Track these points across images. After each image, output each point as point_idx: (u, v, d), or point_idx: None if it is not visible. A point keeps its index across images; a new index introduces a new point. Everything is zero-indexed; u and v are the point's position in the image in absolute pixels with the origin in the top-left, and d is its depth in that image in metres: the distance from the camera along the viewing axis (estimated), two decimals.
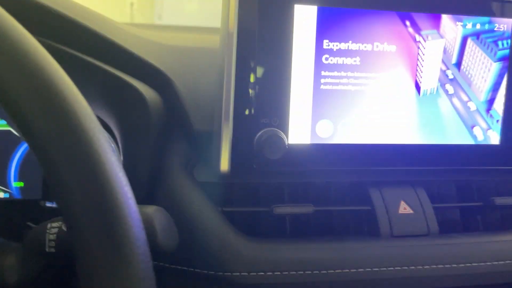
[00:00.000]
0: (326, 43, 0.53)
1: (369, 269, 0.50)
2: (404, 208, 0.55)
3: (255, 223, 0.53)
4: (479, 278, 0.53)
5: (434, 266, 0.51)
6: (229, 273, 0.48)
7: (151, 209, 0.40)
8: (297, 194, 0.55)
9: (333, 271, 0.49)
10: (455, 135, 0.58)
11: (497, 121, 0.59)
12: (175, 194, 0.51)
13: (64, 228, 0.42)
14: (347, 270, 0.49)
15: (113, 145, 0.62)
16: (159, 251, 0.39)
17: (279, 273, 0.48)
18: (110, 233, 0.28)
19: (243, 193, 0.54)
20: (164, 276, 0.49)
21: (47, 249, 0.42)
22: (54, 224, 0.43)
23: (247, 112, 0.51)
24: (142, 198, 0.53)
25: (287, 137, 0.52)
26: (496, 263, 0.53)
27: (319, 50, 0.53)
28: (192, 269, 0.49)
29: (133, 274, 0.28)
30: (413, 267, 0.51)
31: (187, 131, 0.54)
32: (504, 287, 0.55)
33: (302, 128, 0.53)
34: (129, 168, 0.54)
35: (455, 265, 0.52)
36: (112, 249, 0.28)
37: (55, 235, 0.42)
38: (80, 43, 0.52)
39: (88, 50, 0.53)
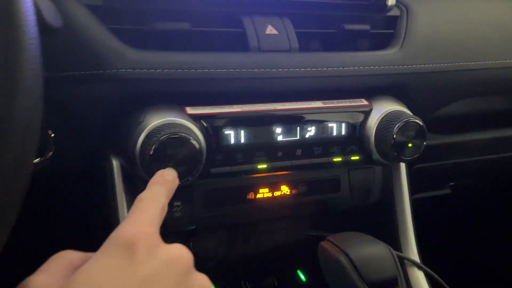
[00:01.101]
0: None
1: (238, 70, 0.60)
2: (270, 30, 0.65)
3: (139, 41, 0.60)
4: (331, 81, 0.65)
5: (293, 69, 0.63)
6: (115, 70, 0.55)
7: None
8: (178, 19, 0.63)
9: (208, 70, 0.58)
10: None
11: None
12: (60, 13, 0.56)
13: None
14: (220, 70, 0.59)
15: None
16: (46, 28, 0.45)
17: (160, 70, 0.56)
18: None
19: (128, 14, 0.61)
20: (55, 86, 0.54)
21: None
22: None
23: None
24: None
25: None
26: (340, 68, 0.66)
27: None
28: (83, 72, 0.55)
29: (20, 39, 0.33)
30: (275, 69, 0.62)
31: None
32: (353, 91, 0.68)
33: None
34: None
35: (309, 69, 0.64)
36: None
37: None
38: None
39: None
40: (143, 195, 0.43)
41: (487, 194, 1.25)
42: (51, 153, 0.57)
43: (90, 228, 0.64)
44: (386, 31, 0.75)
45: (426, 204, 1.07)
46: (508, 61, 0.80)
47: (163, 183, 0.47)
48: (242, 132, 0.60)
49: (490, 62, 0.78)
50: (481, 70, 0.78)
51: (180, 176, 0.52)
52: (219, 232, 0.81)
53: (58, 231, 0.69)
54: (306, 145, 0.64)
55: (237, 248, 0.83)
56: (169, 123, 0.54)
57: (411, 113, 0.68)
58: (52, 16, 0.46)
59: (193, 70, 0.58)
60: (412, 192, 0.79)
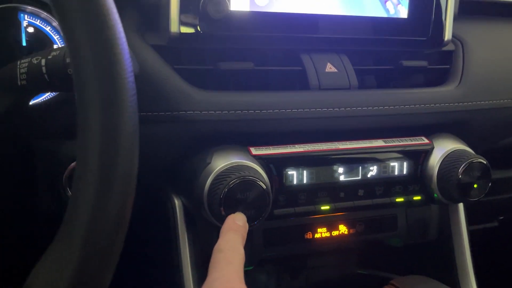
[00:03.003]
0: None
1: (301, 109, 0.60)
2: (329, 68, 0.65)
3: (202, 80, 0.60)
4: (392, 119, 0.65)
5: (354, 108, 0.62)
6: (183, 112, 0.55)
7: None
8: (239, 57, 0.63)
9: (272, 110, 0.58)
10: (372, 8, 0.67)
11: None
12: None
13: (34, 61, 0.47)
14: (284, 110, 0.59)
15: None
16: None
17: (226, 112, 0.56)
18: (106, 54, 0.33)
19: (191, 55, 0.61)
20: None
21: (19, 83, 0.47)
22: (24, 60, 0.47)
23: None
24: None
25: (229, 4, 0.59)
26: (401, 106, 0.65)
27: None
28: (151, 113, 0.55)
29: (121, 88, 0.34)
30: (337, 109, 0.61)
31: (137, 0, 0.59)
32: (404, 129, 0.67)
33: None
34: None
35: (370, 108, 0.63)
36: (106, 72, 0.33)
37: (26, 68, 0.47)
38: None
39: None
40: (222, 245, 0.43)
41: None
42: None
43: (150, 267, 0.64)
44: (442, 67, 0.74)
45: (473, 237, 1.04)
46: None
47: (237, 230, 0.46)
48: (305, 172, 0.60)
49: None
50: None
51: (249, 220, 0.51)
52: (268, 266, 0.80)
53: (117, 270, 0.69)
54: (368, 185, 0.63)
55: (287, 283, 0.81)
56: (237, 165, 0.54)
57: (473, 152, 0.66)
58: (134, 64, 0.46)
59: (259, 111, 0.58)
60: None
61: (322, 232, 0.66)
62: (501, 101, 0.72)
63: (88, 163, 0.32)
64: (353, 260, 0.80)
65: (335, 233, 0.66)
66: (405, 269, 0.70)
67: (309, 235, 0.65)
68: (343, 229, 0.67)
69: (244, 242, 0.46)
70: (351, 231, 0.67)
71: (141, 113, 0.55)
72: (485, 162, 0.63)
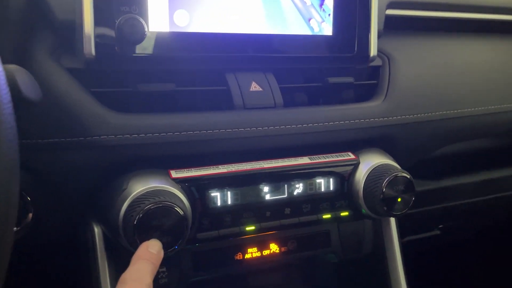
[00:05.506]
0: None
1: (223, 130, 0.59)
2: (254, 87, 0.65)
3: (125, 103, 0.59)
4: (317, 136, 0.65)
5: (278, 127, 0.62)
6: (97, 137, 0.53)
7: (12, 67, 0.44)
8: (162, 77, 0.62)
9: (193, 132, 0.57)
10: (296, 26, 0.68)
11: (329, 14, 0.70)
12: (41, 79, 0.54)
13: None
14: (205, 131, 0.58)
15: None
16: (23, 102, 0.44)
17: (143, 135, 0.55)
18: None
19: (110, 76, 0.59)
20: (35, 153, 0.53)
21: None
22: None
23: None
24: None
25: (147, 25, 0.58)
26: (325, 123, 0.65)
27: None
28: (64, 139, 0.53)
29: None
30: (261, 128, 0.61)
31: (50, 21, 0.58)
32: (331, 145, 0.67)
33: (160, 16, 0.60)
34: None
35: (294, 126, 0.63)
36: None
37: None
38: None
39: None
40: (127, 276, 0.41)
41: (478, 234, 1.25)
42: (29, 221, 0.55)
43: None
44: (369, 82, 0.75)
45: (416, 245, 1.06)
46: (491, 107, 0.81)
47: (148, 258, 0.45)
48: (229, 193, 0.59)
49: (474, 109, 0.79)
50: (466, 118, 0.78)
51: (165, 247, 0.50)
52: None
53: None
54: (294, 203, 0.63)
55: None
56: (153, 190, 0.53)
57: (399, 166, 0.67)
58: (30, 90, 0.44)
59: (178, 133, 0.57)
60: (401, 236, 0.78)
61: (252, 252, 0.65)
62: (425, 114, 0.74)
63: None
64: (290, 277, 0.79)
65: (266, 252, 0.66)
66: (343, 284, 0.70)
67: (239, 256, 0.64)
68: (274, 247, 0.66)
69: (156, 270, 0.44)
70: (283, 249, 0.67)
71: (53, 140, 0.54)
72: (408, 176, 0.64)
